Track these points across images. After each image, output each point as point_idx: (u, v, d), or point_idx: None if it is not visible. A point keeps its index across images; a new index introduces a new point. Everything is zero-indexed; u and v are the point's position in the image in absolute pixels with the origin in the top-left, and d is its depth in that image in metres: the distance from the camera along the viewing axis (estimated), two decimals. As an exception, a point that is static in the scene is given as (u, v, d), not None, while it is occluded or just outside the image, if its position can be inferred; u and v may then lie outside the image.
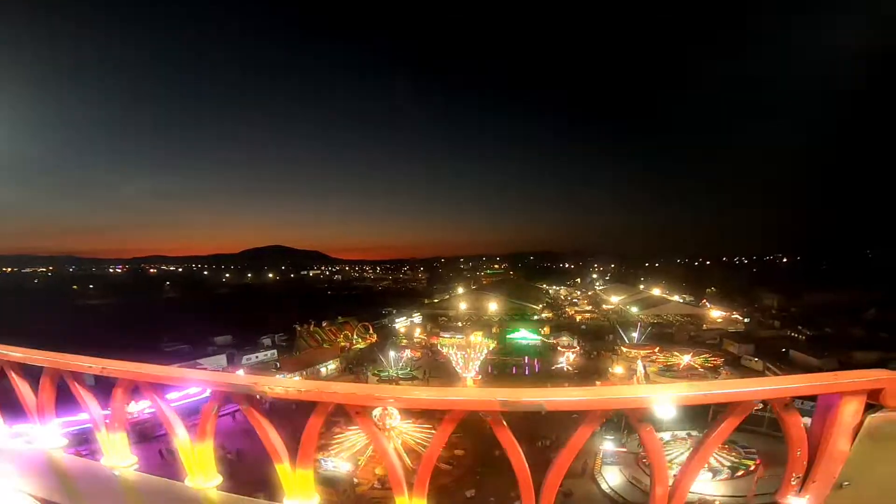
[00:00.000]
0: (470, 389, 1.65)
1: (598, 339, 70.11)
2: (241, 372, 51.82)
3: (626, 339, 65.29)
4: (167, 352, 63.22)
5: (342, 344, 64.36)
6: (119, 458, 2.25)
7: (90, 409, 2.34)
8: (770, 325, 78.31)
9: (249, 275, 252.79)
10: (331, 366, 57.55)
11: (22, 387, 2.51)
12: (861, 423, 1.46)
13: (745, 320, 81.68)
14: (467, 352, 49.39)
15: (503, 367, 55.22)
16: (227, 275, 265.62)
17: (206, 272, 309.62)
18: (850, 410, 1.46)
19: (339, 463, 29.18)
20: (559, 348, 62.07)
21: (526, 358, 58.73)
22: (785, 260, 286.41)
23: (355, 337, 69.46)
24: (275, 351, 64.63)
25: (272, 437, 1.89)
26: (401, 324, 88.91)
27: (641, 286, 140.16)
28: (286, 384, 1.81)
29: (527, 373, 54.02)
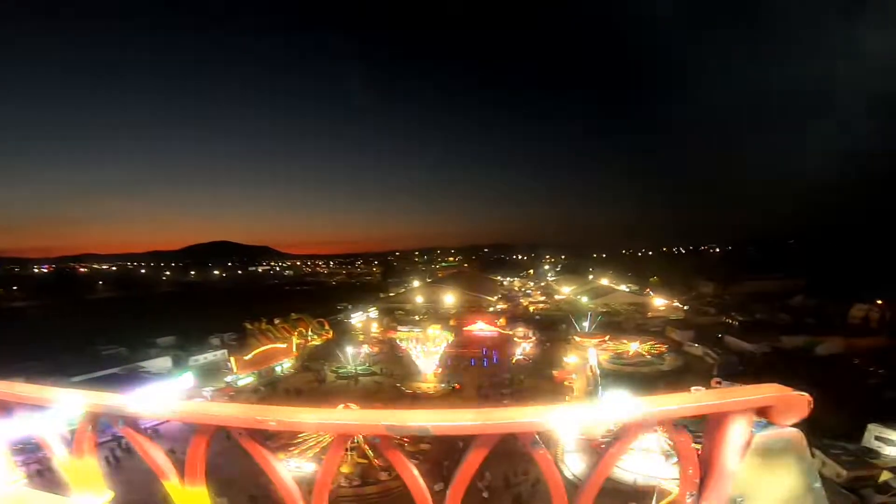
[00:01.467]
0: (356, 413, 1.55)
1: (552, 329, 72.22)
2: (188, 374, 49.35)
3: (578, 328, 67.76)
4: (103, 355, 58.94)
5: (297, 341, 62.52)
6: (4, 477, 2.17)
7: None
8: (706, 312, 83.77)
9: (193, 272, 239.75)
10: (286, 364, 55.84)
11: None
12: (750, 439, 1.48)
13: (685, 308, 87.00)
14: (427, 345, 49.41)
15: (461, 360, 55.77)
16: (168, 273, 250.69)
17: (143, 270, 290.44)
18: (739, 428, 1.48)
19: (301, 463, 28.44)
20: (515, 339, 63.53)
21: (484, 349, 59.72)
22: (717, 250, 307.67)
23: (310, 333, 67.79)
24: (225, 351, 61.80)
25: (153, 454, 1.81)
26: (357, 319, 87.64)
27: (590, 276, 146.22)
28: (162, 404, 1.70)
29: (485, 364, 54.77)
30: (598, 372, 44.38)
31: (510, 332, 68.94)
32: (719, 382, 37.26)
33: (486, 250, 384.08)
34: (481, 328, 71.87)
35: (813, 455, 28.31)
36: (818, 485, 1.49)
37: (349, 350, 56.11)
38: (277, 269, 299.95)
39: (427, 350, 49.01)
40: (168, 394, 44.06)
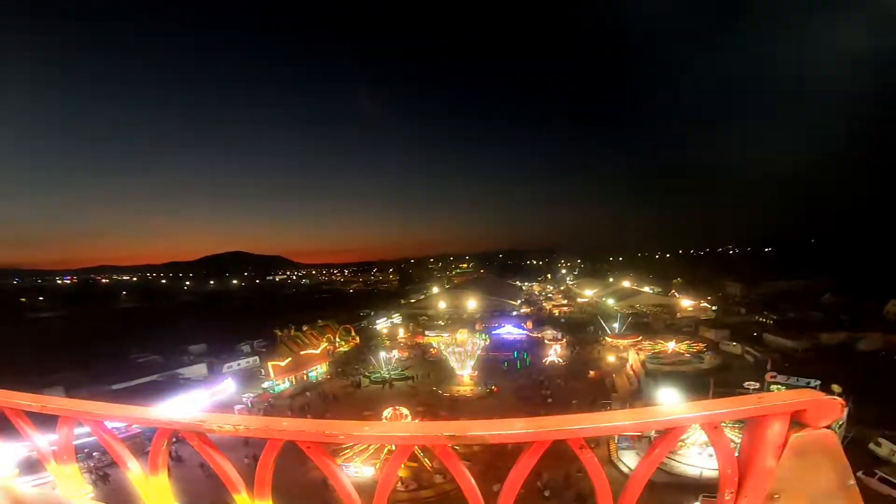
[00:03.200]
0: (417, 424, 1.65)
1: (581, 332, 71.52)
2: (228, 381, 49.72)
3: (608, 329, 67.06)
4: (139, 363, 59.77)
5: (327, 347, 62.80)
6: (73, 488, 2.28)
7: (36, 443, 2.34)
8: (736, 311, 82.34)
9: (212, 282, 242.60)
10: (320, 369, 56.01)
11: None
12: (786, 441, 1.57)
13: (714, 308, 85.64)
14: (464, 348, 49.22)
15: (493, 363, 55.38)
16: (188, 283, 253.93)
17: (163, 280, 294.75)
18: (776, 431, 1.57)
19: (360, 468, 28.28)
20: (546, 342, 63.00)
21: (514, 353, 59.28)
22: (737, 251, 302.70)
23: (338, 340, 68.09)
24: (256, 357, 62.27)
25: (227, 469, 1.90)
26: (381, 325, 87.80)
27: (611, 279, 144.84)
28: (235, 421, 1.78)
29: (518, 367, 54.34)
30: (642, 370, 43.80)
31: (538, 335, 68.51)
32: (774, 377, 36.67)
33: (500, 256, 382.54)
34: (509, 332, 71.54)
35: (872, 445, 27.79)
36: (852, 482, 1.58)
37: (381, 355, 56.11)
38: (293, 278, 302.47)
39: (463, 352, 48.79)
40: (215, 407, 44.46)
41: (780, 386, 34.80)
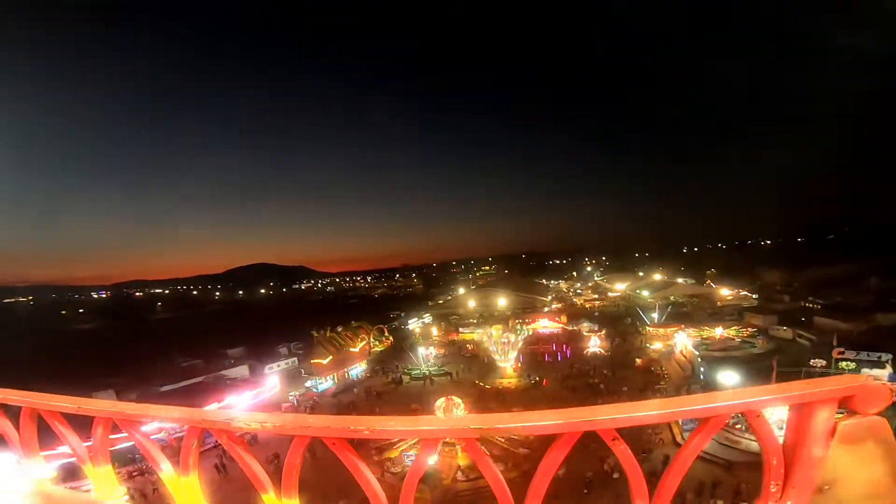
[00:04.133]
0: (443, 419, 1.73)
1: (618, 324, 70.24)
2: (274, 379, 50.33)
3: (646, 319, 65.66)
4: (182, 367, 60.97)
5: (365, 346, 63.21)
6: (107, 490, 2.33)
7: (72, 445, 2.39)
8: (780, 299, 79.66)
9: (240, 292, 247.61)
10: (360, 368, 56.24)
11: (2, 424, 2.61)
12: (834, 428, 1.50)
13: (755, 296, 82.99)
14: (508, 340, 48.82)
15: (535, 356, 54.71)
16: (217, 294, 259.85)
17: (194, 292, 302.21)
18: (823, 418, 1.50)
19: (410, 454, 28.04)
20: (584, 334, 61.90)
21: (553, 345, 58.49)
22: (768, 242, 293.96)
23: (372, 340, 68.49)
24: (294, 359, 62.94)
25: (255, 468, 1.88)
26: (412, 325, 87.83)
27: (640, 273, 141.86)
28: (262, 419, 1.78)
29: (559, 359, 53.53)
30: (695, 356, 42.55)
31: (575, 328, 67.43)
32: (842, 352, 35.14)
33: (522, 256, 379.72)
34: (544, 326, 70.58)
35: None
36: None
37: (420, 351, 56.08)
38: (318, 286, 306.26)
39: (506, 344, 48.33)
40: (264, 405, 44.92)
41: (849, 362, 33.37)
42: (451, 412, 31.36)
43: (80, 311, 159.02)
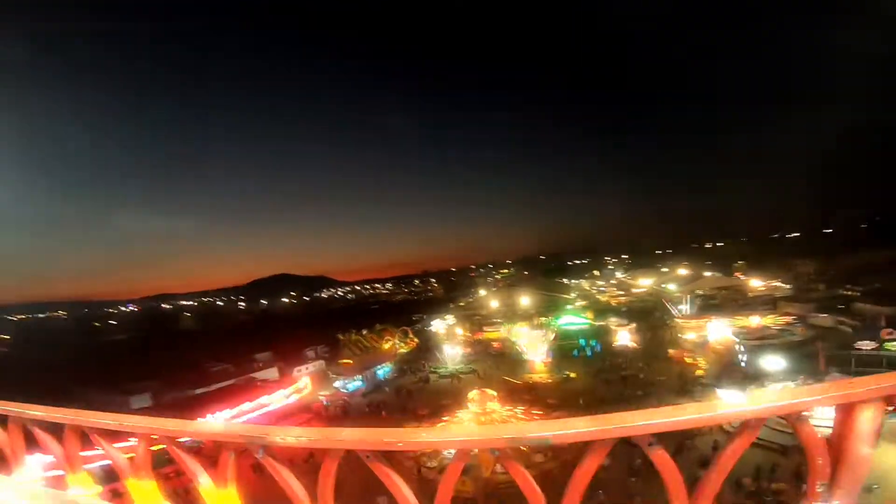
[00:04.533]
0: (476, 428, 1.91)
1: (646, 318, 68.94)
2: (305, 380, 50.81)
3: (674, 313, 64.33)
4: (213, 371, 62.15)
5: (391, 347, 63.54)
6: (151, 503, 2.38)
7: (115, 459, 2.44)
8: (815, 288, 77.07)
9: (264, 301, 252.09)
10: (386, 368, 56.35)
11: (49, 441, 2.67)
12: (881, 427, 1.48)
13: (788, 286, 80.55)
14: (539, 333, 48.56)
15: (563, 351, 53.95)
16: (242, 304, 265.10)
17: (219, 303, 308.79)
18: (868, 417, 1.47)
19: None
20: (613, 328, 60.89)
21: (581, 340, 57.60)
22: (796, 234, 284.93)
23: (397, 342, 68.79)
24: (321, 362, 63.49)
25: (292, 483, 1.91)
26: (435, 327, 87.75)
27: (664, 269, 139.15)
28: (297, 433, 1.85)
29: (589, 354, 52.70)
30: (735, 342, 41.46)
31: (602, 323, 66.41)
32: (891, 333, 33.79)
33: (541, 257, 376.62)
34: (571, 322, 69.65)
35: None
36: None
37: (446, 349, 55.91)
38: (339, 294, 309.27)
39: (536, 337, 47.96)
40: (297, 406, 45.27)
41: (898, 343, 32.07)
42: (485, 404, 31.16)
43: (112, 322, 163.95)
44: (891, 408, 1.44)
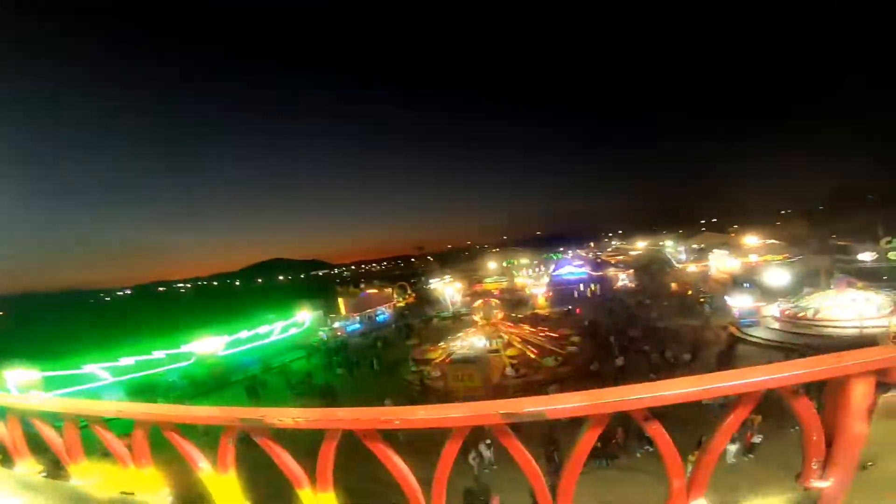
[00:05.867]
0: (471, 405, 1.60)
1: (644, 268, 69.24)
2: (304, 314, 50.58)
3: (673, 262, 64.76)
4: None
5: (386, 298, 63.54)
6: (152, 490, 2.35)
7: (114, 448, 2.43)
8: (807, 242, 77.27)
9: (260, 280, 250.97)
10: (385, 314, 56.27)
11: (47, 431, 2.64)
12: (874, 402, 1.47)
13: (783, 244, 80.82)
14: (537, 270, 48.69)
15: (563, 296, 53.97)
16: (237, 287, 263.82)
17: (215, 283, 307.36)
18: (860, 392, 1.46)
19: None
20: (612, 274, 60.90)
21: (581, 285, 57.62)
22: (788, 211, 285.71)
23: (395, 296, 68.77)
24: (320, 311, 63.42)
25: (290, 464, 1.92)
26: (435, 285, 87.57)
27: (662, 233, 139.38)
28: (294, 414, 1.84)
29: (589, 295, 52.85)
30: (736, 266, 41.54)
31: (601, 273, 66.39)
32: (889, 241, 33.99)
33: (538, 233, 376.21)
34: (571, 271, 69.65)
35: None
36: None
37: (447, 293, 55.85)
38: (334, 274, 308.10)
39: (537, 272, 48.08)
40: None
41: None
42: (490, 313, 30.94)
43: (108, 299, 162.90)
44: (883, 381, 1.39)
